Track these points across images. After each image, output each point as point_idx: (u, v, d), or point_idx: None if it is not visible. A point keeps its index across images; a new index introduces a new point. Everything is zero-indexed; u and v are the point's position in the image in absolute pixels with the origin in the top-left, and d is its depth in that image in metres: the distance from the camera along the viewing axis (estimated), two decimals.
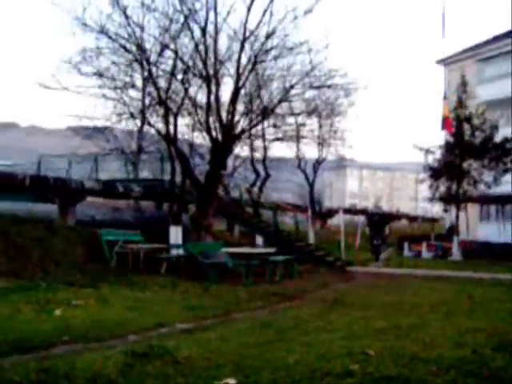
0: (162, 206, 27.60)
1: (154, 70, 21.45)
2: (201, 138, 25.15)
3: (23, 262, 15.14)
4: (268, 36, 20.91)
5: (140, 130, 29.75)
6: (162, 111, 22.04)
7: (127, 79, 23.24)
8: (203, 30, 20.49)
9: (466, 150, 31.69)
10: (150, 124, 24.41)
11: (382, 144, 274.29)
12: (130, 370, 5.86)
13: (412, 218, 69.74)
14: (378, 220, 29.55)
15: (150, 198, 26.97)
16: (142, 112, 24.51)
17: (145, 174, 29.88)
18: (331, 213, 53.08)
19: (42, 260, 15.69)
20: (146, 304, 11.36)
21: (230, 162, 28.61)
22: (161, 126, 22.70)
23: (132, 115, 24.45)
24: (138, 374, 5.69)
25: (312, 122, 34.65)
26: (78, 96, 23.17)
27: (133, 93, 23.89)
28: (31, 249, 15.95)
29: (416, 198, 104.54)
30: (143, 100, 24.57)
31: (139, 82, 23.92)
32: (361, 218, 47.30)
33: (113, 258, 17.64)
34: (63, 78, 31.50)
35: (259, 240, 26.97)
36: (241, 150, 31.92)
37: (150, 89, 22.49)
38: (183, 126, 24.00)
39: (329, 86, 25.63)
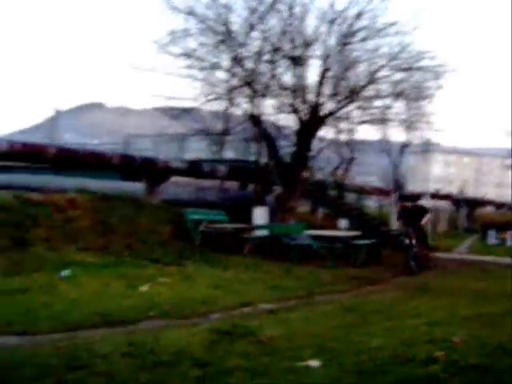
0: (247, 187, 27.73)
1: (240, 51, 21.51)
2: (286, 120, 25.02)
3: (110, 239, 15.48)
4: (357, 17, 20.69)
5: (226, 111, 29.89)
6: (248, 92, 22.07)
7: (214, 60, 23.34)
8: (291, 11, 20.41)
9: None
10: (236, 105, 24.49)
11: (468, 128, 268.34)
12: (214, 347, 5.96)
13: (498, 205, 68.16)
14: (414, 210, 20.76)
15: (234, 178, 27.13)
16: (229, 93, 24.58)
17: (230, 154, 30.06)
18: (415, 197, 52.28)
19: (129, 237, 16.00)
20: (229, 283, 11.48)
21: (314, 144, 28.48)
22: (247, 107, 22.75)
23: (219, 96, 24.52)
24: (222, 352, 5.77)
25: (399, 105, 33.99)
26: (165, 77, 23.33)
27: (220, 74, 23.96)
28: (118, 226, 16.29)
29: (502, 184, 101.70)
30: (230, 81, 24.63)
31: (226, 63, 24.00)
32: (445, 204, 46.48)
33: (197, 237, 17.85)
34: (152, 59, 31.79)
35: (342, 223, 26.80)
36: (326, 132, 31.66)
37: (237, 70, 22.54)
38: (269, 107, 23.89)
39: (417, 69, 25.14)
